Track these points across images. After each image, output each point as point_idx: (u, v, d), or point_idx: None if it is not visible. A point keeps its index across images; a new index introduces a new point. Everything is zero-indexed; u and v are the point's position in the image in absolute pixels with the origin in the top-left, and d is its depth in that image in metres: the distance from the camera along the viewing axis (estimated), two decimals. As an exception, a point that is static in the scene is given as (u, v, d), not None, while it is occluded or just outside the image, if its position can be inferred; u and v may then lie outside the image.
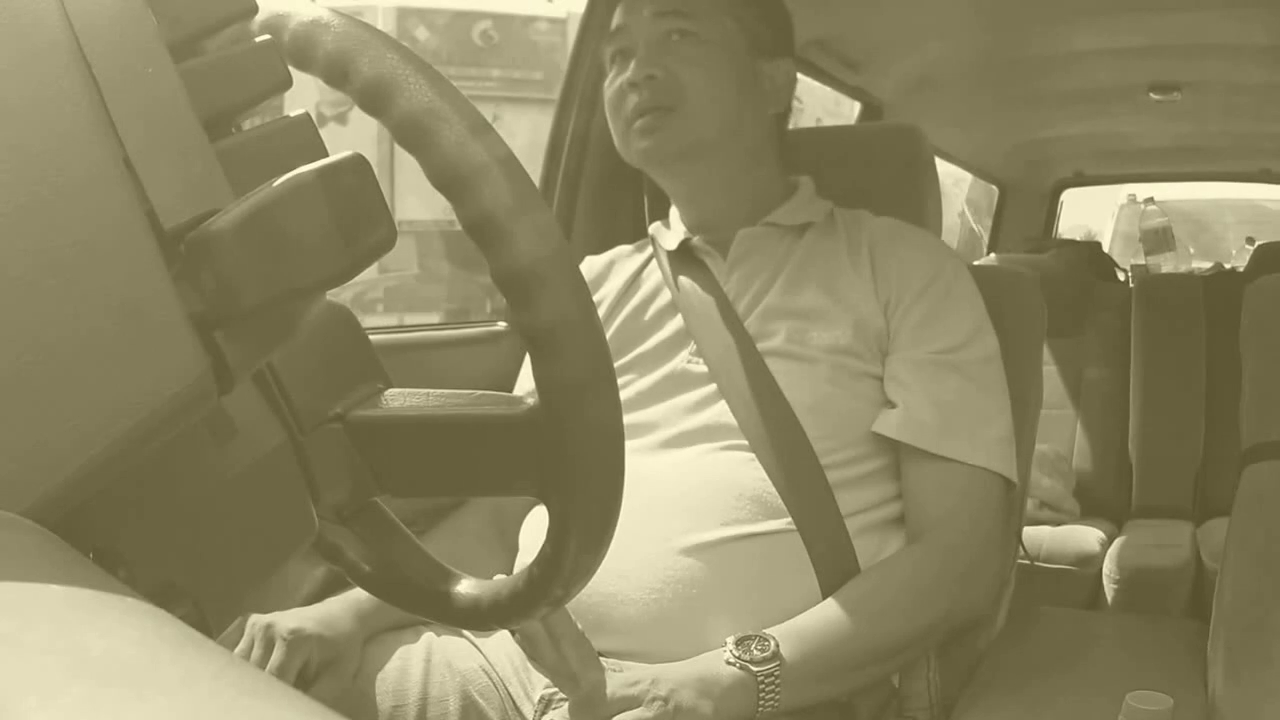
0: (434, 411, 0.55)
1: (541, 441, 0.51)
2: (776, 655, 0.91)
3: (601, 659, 0.87)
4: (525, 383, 1.21)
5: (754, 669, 0.90)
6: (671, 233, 1.18)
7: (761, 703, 0.90)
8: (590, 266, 1.22)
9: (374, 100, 0.47)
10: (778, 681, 0.91)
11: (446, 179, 0.47)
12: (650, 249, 1.21)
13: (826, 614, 0.96)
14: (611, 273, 1.21)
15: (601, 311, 1.15)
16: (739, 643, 0.92)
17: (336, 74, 0.48)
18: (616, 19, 1.15)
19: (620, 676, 0.88)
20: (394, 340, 1.44)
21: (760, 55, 1.15)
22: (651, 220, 1.29)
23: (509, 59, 6.55)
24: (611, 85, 1.14)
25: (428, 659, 1.00)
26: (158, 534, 0.43)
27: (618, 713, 0.85)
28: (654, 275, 1.18)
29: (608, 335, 1.11)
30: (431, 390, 0.56)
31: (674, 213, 1.21)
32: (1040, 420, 1.28)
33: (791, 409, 1.03)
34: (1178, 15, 2.03)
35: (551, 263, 0.47)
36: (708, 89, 1.10)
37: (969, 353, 1.07)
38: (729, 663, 0.91)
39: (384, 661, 0.99)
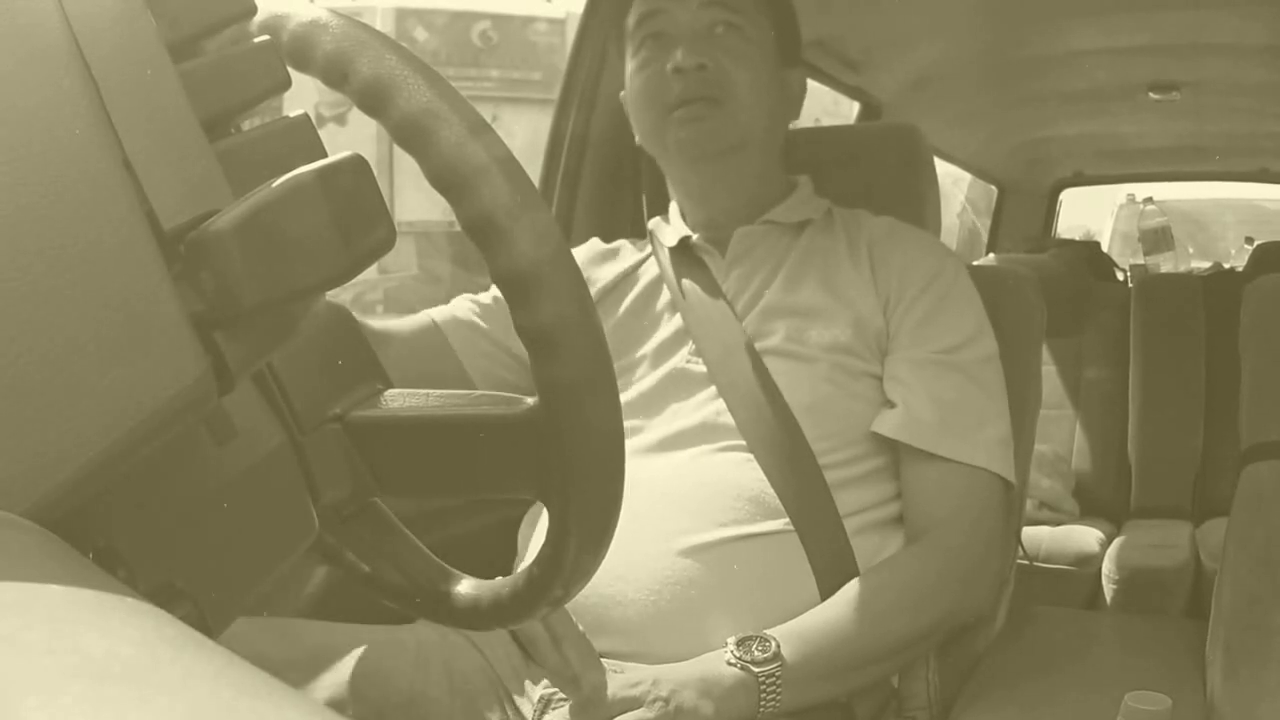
0: (433, 412, 0.55)
1: (541, 442, 0.51)
2: (778, 656, 0.91)
3: (602, 660, 0.87)
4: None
5: (755, 670, 0.90)
6: (671, 229, 1.18)
7: (763, 703, 0.90)
8: (589, 250, 1.21)
9: (373, 101, 0.47)
10: (779, 682, 0.91)
11: (445, 179, 0.47)
12: (649, 247, 1.21)
13: (827, 614, 0.96)
14: (608, 261, 1.20)
15: (593, 293, 1.14)
16: (740, 643, 0.92)
17: (335, 75, 0.48)
18: (649, 2, 1.13)
19: (621, 677, 0.88)
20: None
21: (784, 63, 1.15)
22: (649, 219, 1.29)
23: (508, 59, 6.54)
24: (644, 71, 1.12)
25: (426, 659, 1.00)
26: (158, 534, 0.43)
27: (619, 714, 0.85)
28: (651, 271, 1.17)
29: (606, 333, 1.11)
30: (431, 390, 0.56)
31: (673, 210, 1.21)
32: (1039, 420, 1.27)
33: (790, 409, 1.03)
34: (1177, 14, 2.03)
35: (551, 263, 0.47)
36: (753, 88, 1.09)
37: (969, 353, 1.07)
38: (730, 663, 0.91)
39: (382, 661, 0.99)
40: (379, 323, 1.14)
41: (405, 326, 1.15)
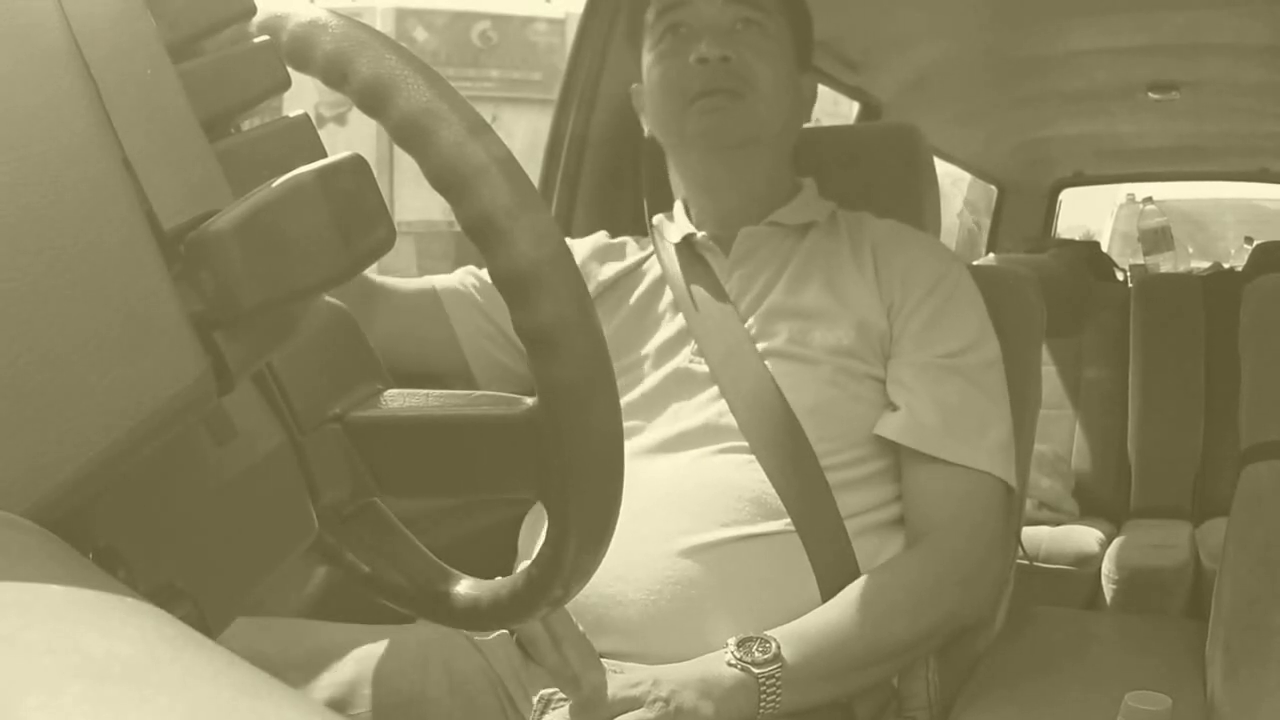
0: (433, 412, 0.55)
1: (540, 442, 0.51)
2: (778, 657, 0.91)
3: (602, 660, 0.87)
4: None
5: (755, 671, 0.90)
6: (675, 226, 1.18)
7: (763, 704, 0.90)
8: (594, 244, 1.21)
9: (372, 101, 0.47)
10: (779, 683, 0.91)
11: (445, 180, 0.47)
12: (652, 245, 1.20)
13: (828, 616, 0.96)
14: (611, 257, 1.20)
15: (592, 287, 1.14)
16: (740, 644, 0.92)
17: (335, 75, 0.48)
18: None
19: (621, 678, 0.88)
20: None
21: (799, 65, 1.16)
22: (650, 219, 1.29)
23: (508, 60, 6.55)
24: (666, 60, 1.12)
25: (426, 659, 1.00)
26: (158, 534, 0.43)
27: (619, 714, 0.85)
28: (654, 270, 1.17)
29: (608, 332, 1.11)
30: (430, 390, 0.56)
31: (678, 207, 1.21)
32: (1039, 420, 1.27)
33: (792, 410, 1.03)
34: (1177, 14, 2.03)
35: (550, 264, 0.47)
36: (774, 84, 1.10)
37: (972, 357, 1.07)
38: (730, 664, 0.91)
39: (382, 661, 0.99)
40: (378, 277, 1.15)
41: (404, 285, 1.17)
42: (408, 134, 0.47)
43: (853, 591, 0.97)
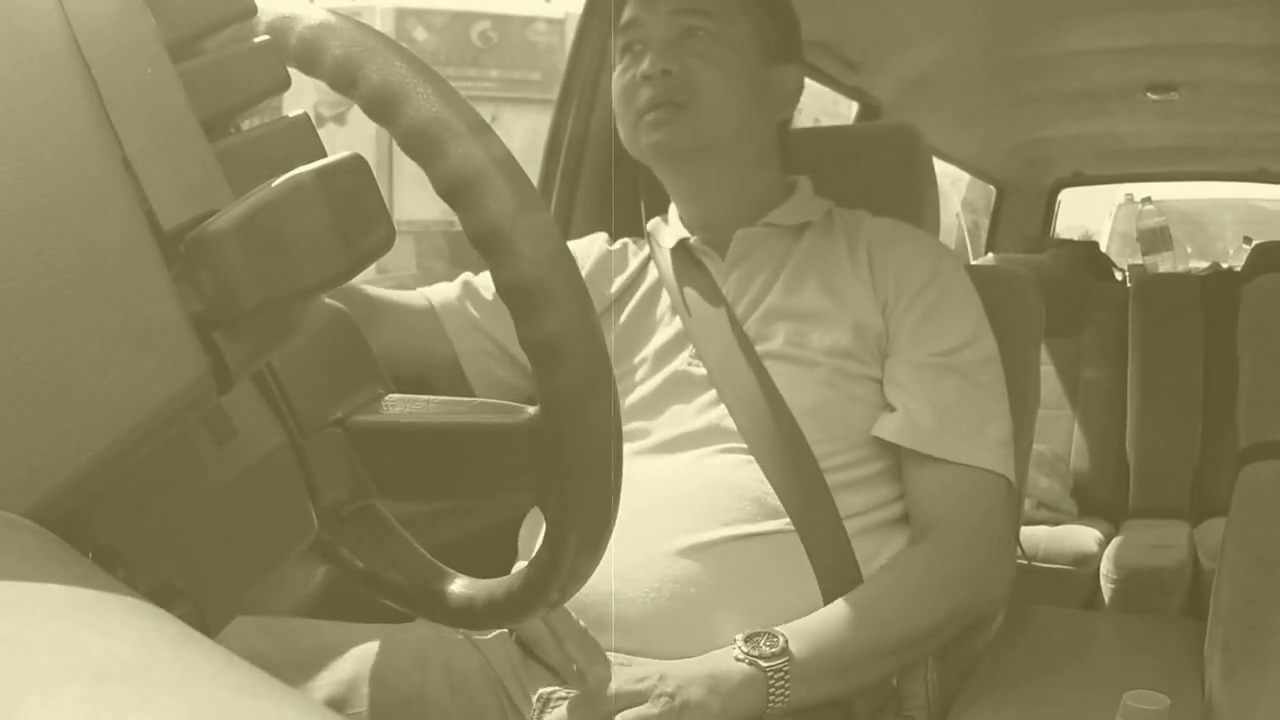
0: (434, 419, 0.55)
1: (540, 449, 0.51)
2: (785, 651, 0.91)
3: (610, 654, 0.87)
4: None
5: (763, 664, 0.90)
6: (669, 230, 1.18)
7: (771, 698, 0.90)
8: (595, 260, 1.21)
9: (381, 108, 0.47)
10: (787, 677, 0.91)
11: (452, 189, 0.47)
12: (647, 248, 1.21)
13: (837, 611, 0.96)
14: (613, 272, 1.20)
15: (599, 304, 1.14)
16: (748, 639, 0.92)
17: (344, 80, 0.48)
18: (629, 12, 1.15)
19: (627, 672, 0.87)
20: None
21: (771, 60, 1.15)
22: (647, 219, 1.29)
23: (507, 60, 6.54)
24: (622, 78, 1.13)
25: (425, 658, 1.00)
26: (158, 534, 0.43)
27: (624, 708, 0.85)
28: (652, 275, 1.18)
29: (609, 339, 1.11)
30: (432, 397, 0.56)
31: (672, 211, 1.21)
32: (1038, 420, 1.28)
33: (791, 412, 1.03)
34: (1176, 14, 2.03)
35: (555, 275, 0.47)
36: (721, 89, 1.10)
37: (968, 354, 1.07)
38: (738, 659, 0.91)
39: (383, 661, 0.99)
40: (375, 290, 1.15)
41: (402, 304, 1.18)
42: (416, 143, 0.47)
43: (860, 587, 0.98)
